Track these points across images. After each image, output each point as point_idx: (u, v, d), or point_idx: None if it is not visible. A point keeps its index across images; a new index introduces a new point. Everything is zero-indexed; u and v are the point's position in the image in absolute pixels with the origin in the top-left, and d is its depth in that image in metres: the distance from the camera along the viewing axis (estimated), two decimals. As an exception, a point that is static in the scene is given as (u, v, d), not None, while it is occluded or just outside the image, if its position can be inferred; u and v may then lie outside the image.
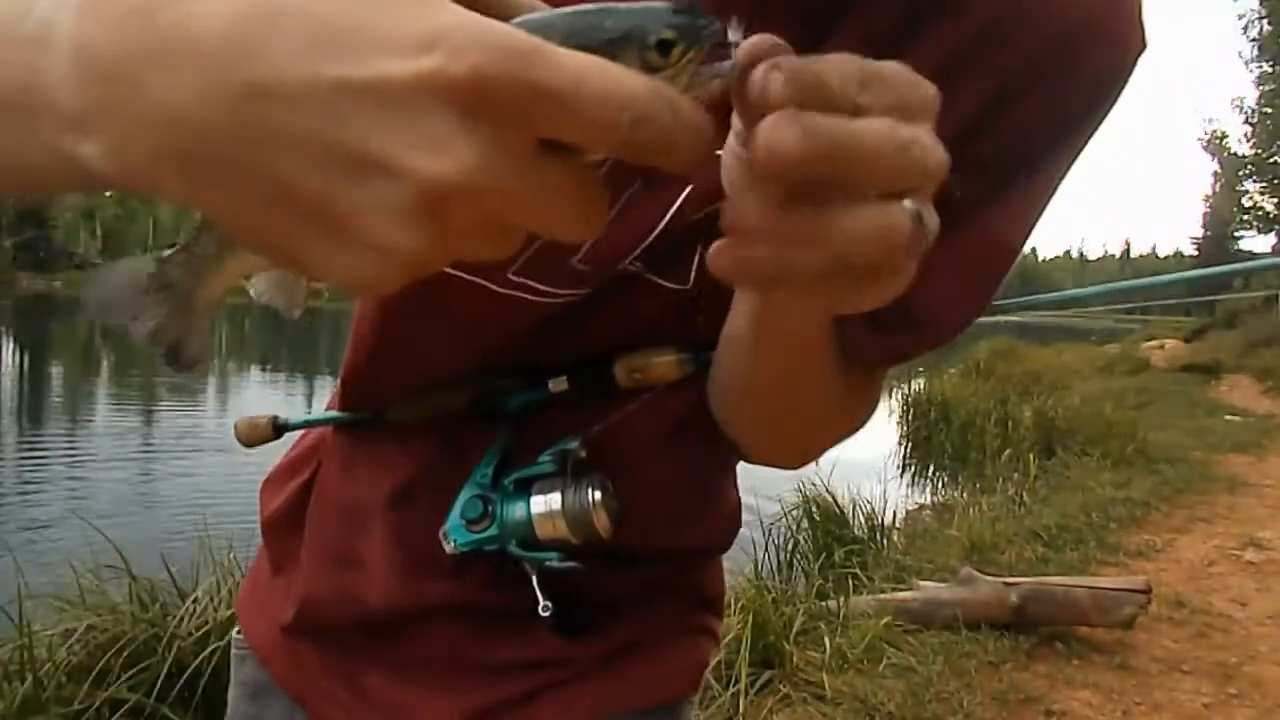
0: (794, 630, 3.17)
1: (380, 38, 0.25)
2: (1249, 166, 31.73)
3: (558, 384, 0.60)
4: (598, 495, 0.58)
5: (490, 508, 0.60)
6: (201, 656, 2.60)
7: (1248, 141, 31.60)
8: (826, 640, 3.14)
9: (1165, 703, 3.06)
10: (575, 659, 0.64)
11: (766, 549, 4.61)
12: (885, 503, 5.30)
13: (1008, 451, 7.62)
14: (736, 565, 3.73)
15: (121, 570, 2.98)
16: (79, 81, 0.28)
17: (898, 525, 5.42)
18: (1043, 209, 0.51)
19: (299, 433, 0.74)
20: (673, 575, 0.69)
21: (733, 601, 3.15)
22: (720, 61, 0.28)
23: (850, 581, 3.92)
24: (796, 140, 0.25)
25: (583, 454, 0.60)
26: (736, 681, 2.84)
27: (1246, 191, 33.05)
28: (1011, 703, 2.96)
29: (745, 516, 0.74)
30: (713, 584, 0.73)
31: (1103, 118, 0.50)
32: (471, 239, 0.27)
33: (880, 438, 9.20)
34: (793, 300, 0.42)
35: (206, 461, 7.34)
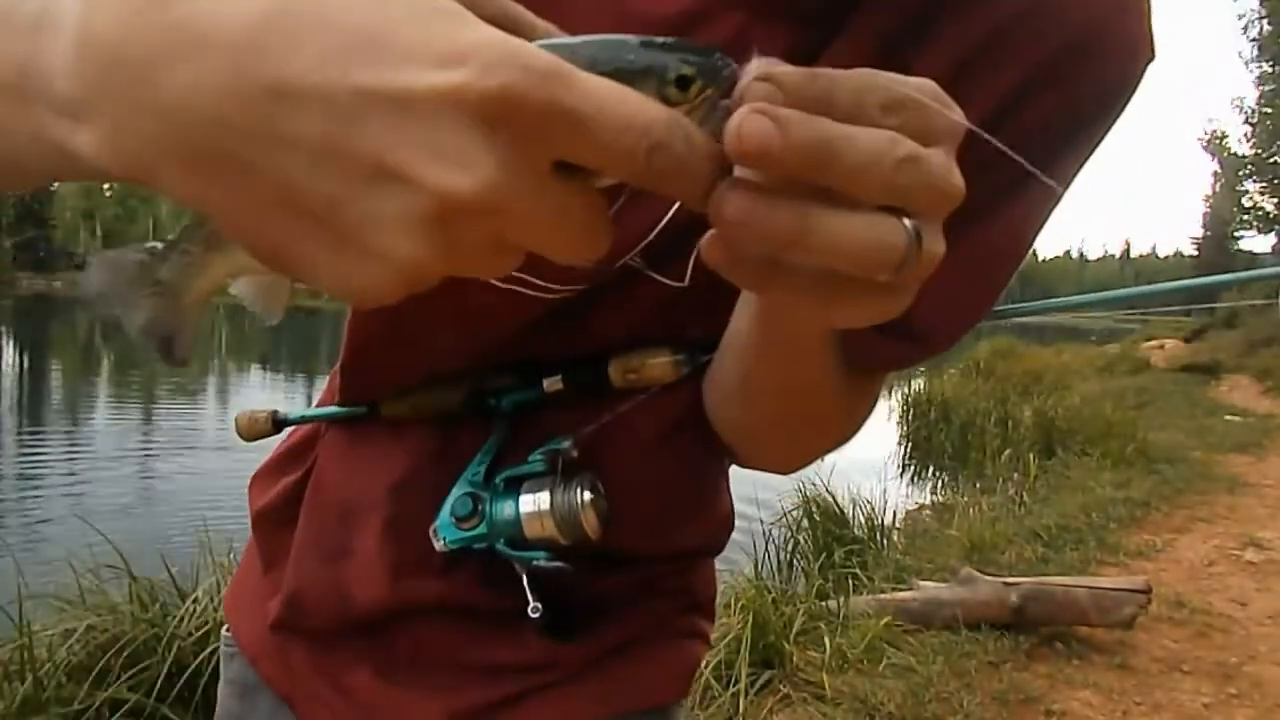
0: (794, 630, 3.17)
1: (409, 49, 0.25)
2: (1249, 166, 31.74)
3: (552, 383, 0.60)
4: (587, 496, 0.58)
5: (480, 506, 0.60)
6: (201, 656, 2.61)
7: (1248, 141, 31.62)
8: (826, 640, 3.14)
9: (1165, 703, 3.06)
10: (564, 661, 0.64)
11: (766, 549, 4.62)
12: (885, 503, 5.30)
13: (1008, 451, 7.62)
14: (736, 565, 3.73)
15: (121, 570, 2.99)
16: (79, 67, 0.28)
17: (898, 525, 5.43)
18: (1047, 217, 0.51)
19: (290, 428, 0.75)
20: (663, 577, 0.68)
21: (733, 601, 3.15)
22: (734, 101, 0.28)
23: (850, 581, 3.92)
24: (765, 130, 0.25)
25: (574, 454, 0.59)
26: (736, 681, 2.84)
27: (1246, 191, 33.07)
28: (1011, 703, 2.96)
29: (745, 516, 0.74)
30: (704, 586, 0.72)
31: (1109, 126, 0.50)
32: (474, 254, 0.27)
33: (880, 438, 9.20)
34: (789, 305, 0.42)
35: (207, 461, 7.33)
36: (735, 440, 0.63)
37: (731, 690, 2.82)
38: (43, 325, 28.28)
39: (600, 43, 0.28)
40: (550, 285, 0.56)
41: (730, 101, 0.27)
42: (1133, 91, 0.49)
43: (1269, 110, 29.46)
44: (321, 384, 0.78)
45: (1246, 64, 30.34)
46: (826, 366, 0.52)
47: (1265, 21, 28.37)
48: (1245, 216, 33.71)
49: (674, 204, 0.53)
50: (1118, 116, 0.50)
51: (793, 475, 0.92)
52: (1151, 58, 0.49)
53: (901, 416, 10.01)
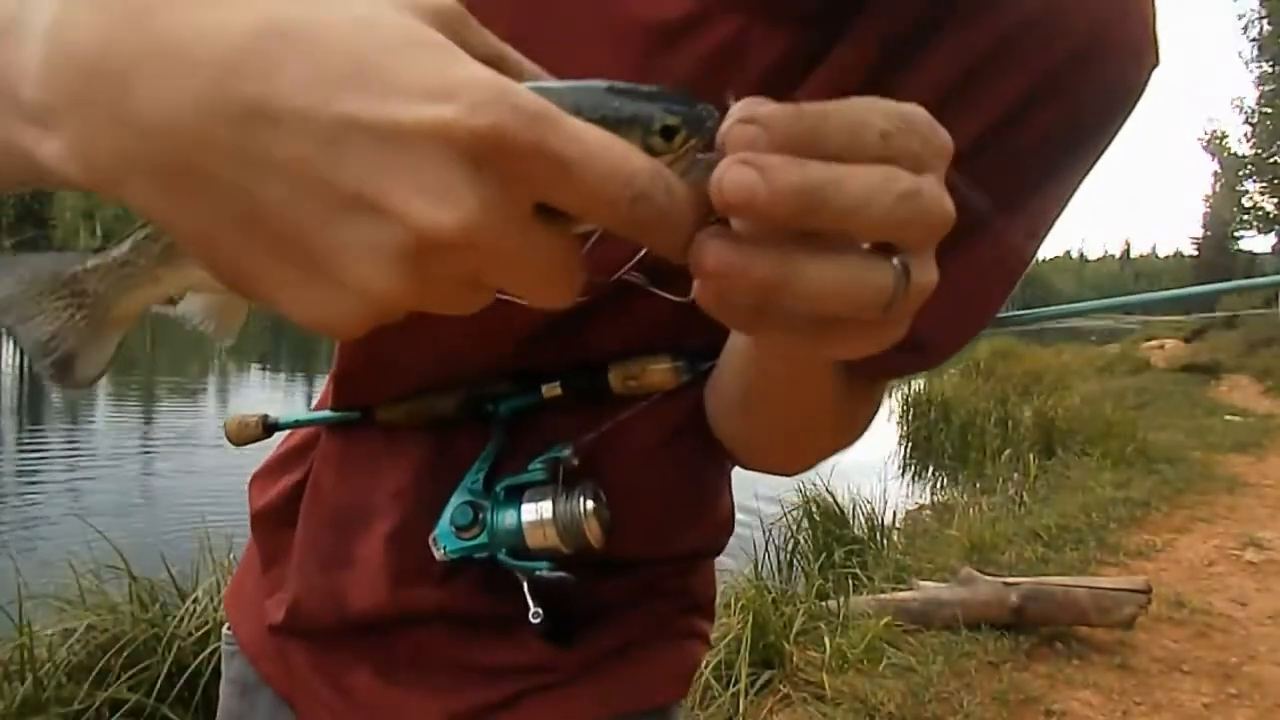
0: (794, 630, 3.17)
1: (398, 80, 0.24)
2: (1249, 166, 31.72)
3: (551, 389, 0.59)
4: (590, 505, 0.57)
5: (480, 515, 0.59)
6: (201, 656, 2.61)
7: (1248, 141, 31.60)
8: (826, 640, 3.14)
9: (1165, 703, 3.06)
10: (564, 663, 0.64)
11: (766, 549, 4.61)
12: (885, 503, 5.30)
13: (1008, 451, 7.62)
14: (737, 565, 3.73)
15: (121, 570, 2.98)
16: (49, 75, 0.28)
17: (898, 525, 5.43)
18: (1050, 226, 0.51)
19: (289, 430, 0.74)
20: (663, 579, 0.68)
21: (733, 601, 3.15)
22: (716, 151, 0.28)
23: (850, 581, 3.92)
24: (749, 181, 0.25)
25: (574, 462, 0.59)
26: (736, 681, 2.84)
27: (1246, 191, 33.06)
28: (1011, 703, 2.96)
29: (745, 517, 0.74)
30: (704, 588, 0.72)
31: (1115, 132, 0.49)
32: (445, 290, 0.27)
33: (880, 438, 9.19)
34: (781, 343, 0.42)
35: (206, 461, 7.33)
36: (737, 447, 0.62)
37: (731, 690, 2.82)
38: (43, 325, 28.19)
39: (586, 89, 0.27)
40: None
41: (714, 154, 0.27)
42: (1138, 97, 0.48)
43: (1269, 110, 29.45)
44: (321, 384, 0.78)
45: (1246, 64, 30.35)
46: (827, 379, 0.52)
47: (1265, 21, 28.37)
48: (1245, 216, 33.70)
49: None
50: (1123, 122, 0.49)
51: (793, 475, 0.92)
52: (1156, 63, 0.48)
53: (901, 416, 10.01)
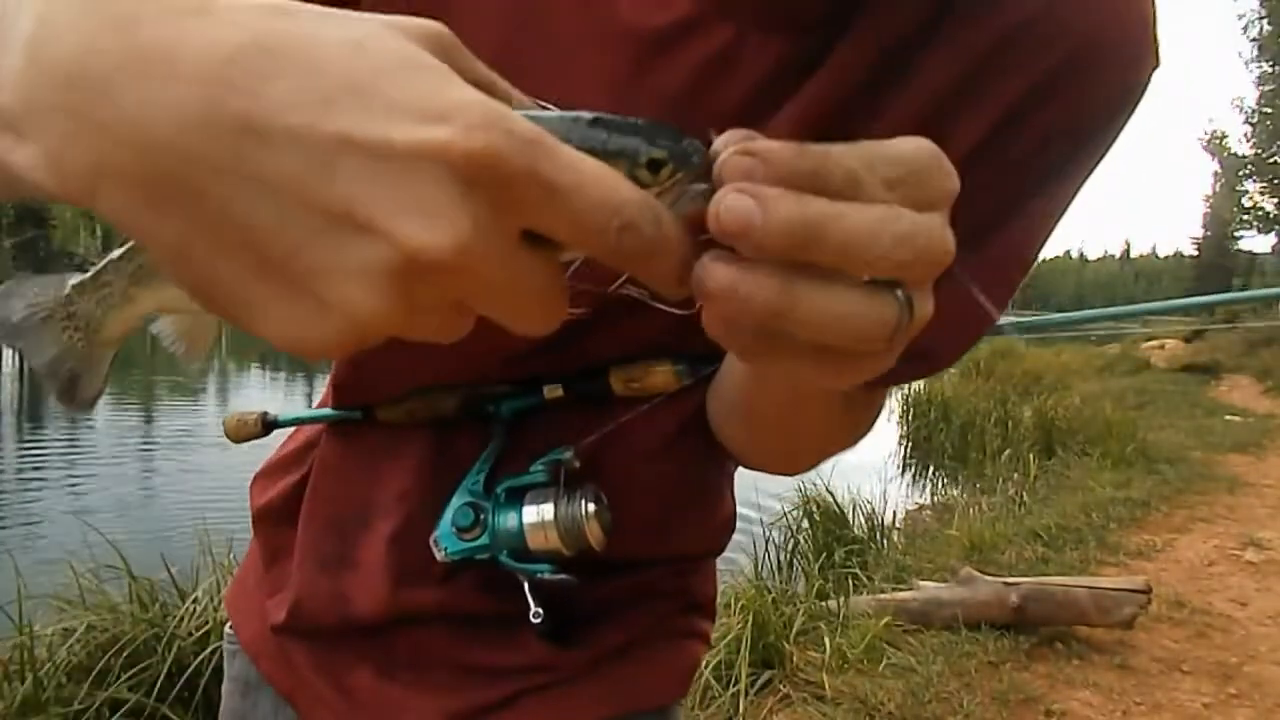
0: (794, 630, 3.17)
1: (392, 100, 0.24)
2: (1249, 166, 31.76)
3: (552, 390, 0.59)
4: (591, 507, 0.58)
5: (481, 516, 0.59)
6: (201, 656, 2.61)
7: (1248, 141, 31.66)
8: (826, 640, 3.14)
9: (1165, 703, 3.06)
10: (564, 663, 0.64)
11: (766, 549, 4.61)
12: (885, 503, 5.31)
13: (1008, 451, 7.62)
14: (737, 565, 3.73)
15: (121, 570, 2.98)
16: (26, 80, 0.27)
17: (898, 525, 5.43)
18: (1052, 228, 0.51)
19: (290, 429, 0.74)
20: (663, 580, 0.68)
21: (733, 601, 3.15)
22: (700, 184, 0.28)
23: (850, 581, 3.92)
24: (746, 209, 0.25)
25: (576, 464, 0.59)
26: (736, 681, 2.84)
27: (1246, 191, 33.10)
28: (1011, 703, 2.96)
29: (746, 517, 0.74)
30: (704, 587, 0.72)
31: (1117, 133, 0.49)
32: (429, 316, 0.26)
33: (880, 438, 9.19)
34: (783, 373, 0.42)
35: (207, 461, 7.33)
36: (739, 450, 0.63)
37: (731, 690, 2.82)
38: (43, 325, 28.19)
39: (574, 120, 0.28)
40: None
41: (705, 186, 0.27)
42: (1139, 98, 0.48)
43: (1269, 110, 29.47)
44: (321, 384, 0.78)
45: (1246, 64, 30.39)
46: (828, 395, 0.52)
47: (1265, 21, 28.39)
48: (1245, 216, 33.73)
49: None
50: (1124, 123, 0.49)
51: (795, 475, 0.92)
52: (1157, 64, 0.48)
53: (901, 416, 10.00)
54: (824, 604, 3.48)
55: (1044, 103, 0.47)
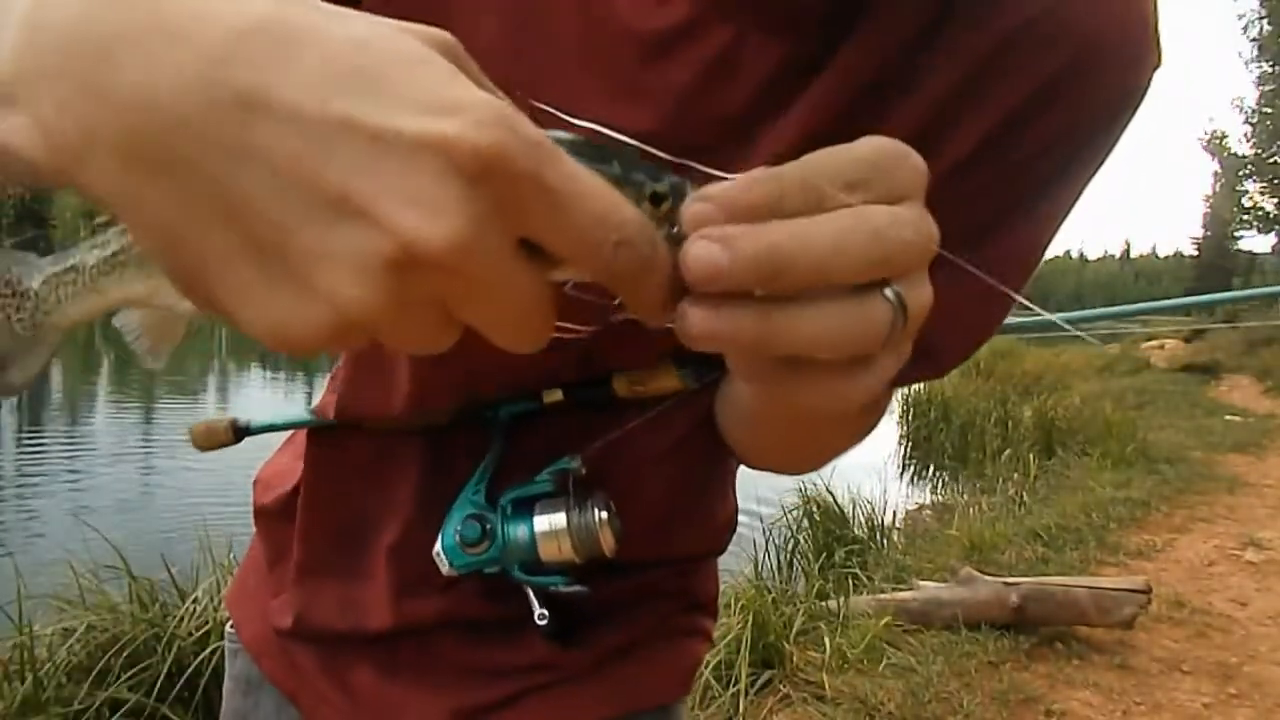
0: (794, 630, 3.17)
1: (402, 90, 0.24)
2: (1249, 166, 31.76)
3: (551, 395, 0.58)
4: (603, 515, 0.57)
5: (488, 528, 0.58)
6: (201, 656, 2.61)
7: (1248, 141, 31.66)
8: (826, 640, 3.13)
9: (1165, 703, 3.06)
10: (566, 663, 0.64)
11: (766, 549, 4.61)
12: (885, 503, 5.30)
13: (1008, 451, 7.61)
14: (737, 565, 3.73)
15: (121, 570, 2.98)
16: (19, 48, 0.27)
17: (898, 525, 5.42)
18: (1056, 229, 0.51)
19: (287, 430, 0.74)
20: (665, 580, 0.68)
21: (733, 601, 3.15)
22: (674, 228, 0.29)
23: (850, 581, 3.92)
24: (711, 253, 0.26)
25: (583, 472, 0.58)
26: (736, 681, 2.84)
27: (1246, 191, 33.10)
28: (1011, 703, 2.96)
29: (746, 517, 0.74)
30: (706, 586, 0.72)
31: (1118, 137, 0.49)
32: (417, 318, 0.26)
33: (880, 438, 9.18)
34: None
35: (206, 460, 7.33)
36: (744, 452, 0.62)
37: (731, 690, 2.81)
38: (43, 325, 28.16)
39: (584, 144, 0.28)
40: (565, 325, 0.54)
41: (679, 230, 0.28)
42: (1141, 100, 0.48)
43: (1269, 110, 29.47)
44: (321, 383, 0.77)
45: (1246, 64, 30.39)
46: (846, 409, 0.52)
47: (1265, 21, 28.39)
48: (1245, 216, 33.73)
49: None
50: (1127, 124, 0.49)
51: (793, 476, 0.92)
52: (1158, 64, 0.48)
53: (901, 416, 10.00)
54: (824, 604, 3.48)
55: (1046, 105, 0.47)
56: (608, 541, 0.57)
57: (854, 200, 0.27)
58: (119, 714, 2.49)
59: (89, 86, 0.25)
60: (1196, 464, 7.16)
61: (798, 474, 0.66)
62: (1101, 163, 0.50)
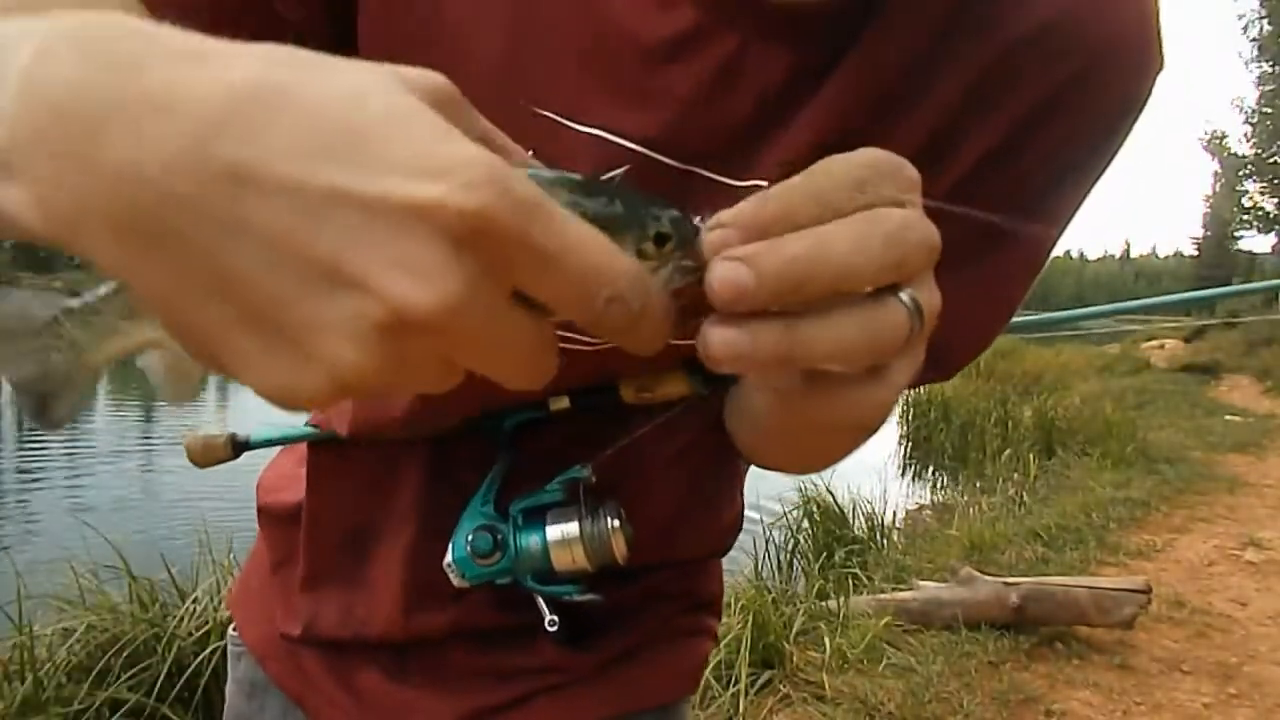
0: (794, 630, 3.17)
1: (388, 154, 0.24)
2: (1249, 166, 31.77)
3: (557, 402, 0.58)
4: (615, 523, 0.57)
5: (499, 539, 0.58)
6: (201, 656, 2.61)
7: (1248, 141, 31.67)
8: (826, 640, 3.13)
9: (1165, 703, 3.06)
10: (573, 666, 0.64)
11: (766, 549, 4.62)
12: (885, 503, 5.31)
13: (1008, 451, 7.61)
14: (737, 565, 3.73)
15: (121, 570, 2.98)
16: (16, 117, 0.27)
17: (898, 525, 5.43)
18: (1060, 233, 0.51)
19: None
20: (669, 582, 0.69)
21: (733, 601, 3.15)
22: (688, 261, 0.29)
23: (850, 581, 3.92)
24: (736, 273, 0.26)
25: (593, 480, 0.58)
26: (736, 681, 2.83)
27: (1246, 191, 33.12)
28: (1011, 703, 2.96)
29: (746, 516, 0.74)
30: (710, 585, 0.72)
31: (1122, 142, 0.49)
32: (416, 370, 0.26)
33: (880, 438, 9.14)
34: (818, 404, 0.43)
35: (206, 461, 7.32)
36: (751, 453, 0.62)
37: (731, 690, 2.81)
38: (43, 325, 28.17)
39: (587, 184, 0.28)
40: (575, 335, 0.54)
41: (693, 262, 0.28)
42: (1144, 103, 0.48)
43: (1269, 110, 29.48)
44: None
45: (1246, 64, 30.40)
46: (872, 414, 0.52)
47: (1265, 21, 28.40)
48: (1245, 216, 33.75)
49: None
50: (1131, 128, 0.49)
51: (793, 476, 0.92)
52: (1161, 68, 0.48)
53: (901, 416, 9.99)
54: (824, 604, 3.48)
55: (1052, 114, 0.47)
56: (620, 549, 0.57)
57: (862, 200, 0.27)
58: (119, 714, 2.49)
59: (81, 159, 0.25)
60: (1196, 464, 7.16)
61: (806, 474, 0.67)
62: (1106, 166, 0.50)
